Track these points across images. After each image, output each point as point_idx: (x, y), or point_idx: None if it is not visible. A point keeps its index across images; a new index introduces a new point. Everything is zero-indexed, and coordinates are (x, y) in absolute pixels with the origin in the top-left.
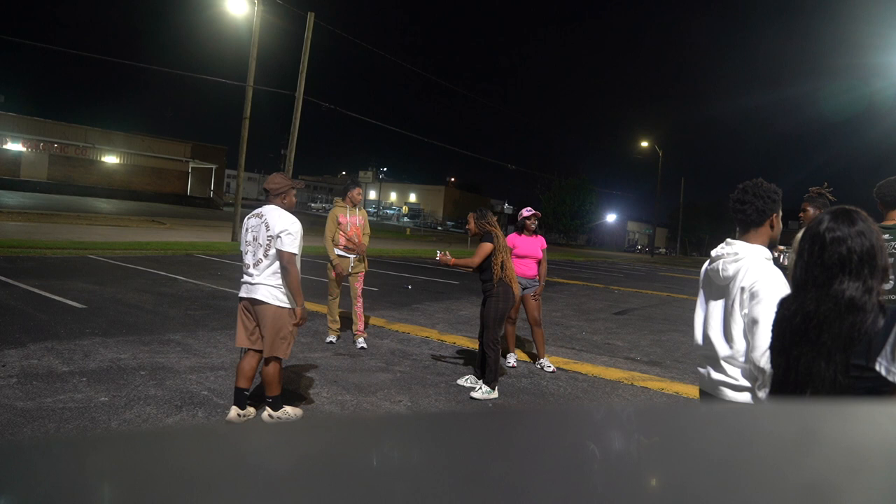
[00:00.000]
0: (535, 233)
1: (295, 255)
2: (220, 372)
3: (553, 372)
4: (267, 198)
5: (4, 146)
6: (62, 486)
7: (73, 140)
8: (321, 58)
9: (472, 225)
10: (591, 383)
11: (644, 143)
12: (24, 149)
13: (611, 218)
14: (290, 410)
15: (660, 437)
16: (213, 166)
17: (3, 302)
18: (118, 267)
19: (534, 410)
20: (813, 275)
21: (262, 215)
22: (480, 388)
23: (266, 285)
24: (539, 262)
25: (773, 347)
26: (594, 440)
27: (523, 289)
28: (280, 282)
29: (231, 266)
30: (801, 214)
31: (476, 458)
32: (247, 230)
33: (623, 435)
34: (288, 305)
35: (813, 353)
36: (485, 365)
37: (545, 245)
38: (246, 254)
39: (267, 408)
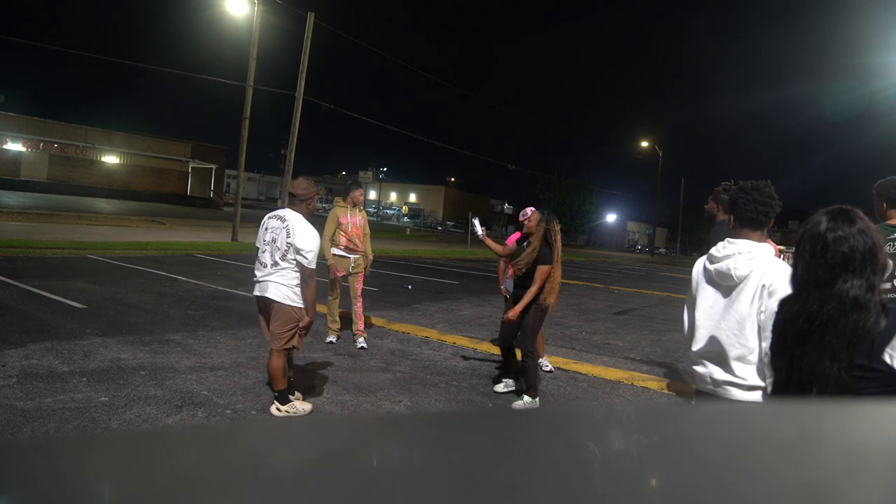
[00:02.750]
0: None
1: (314, 269)
2: (220, 372)
3: (551, 371)
4: (291, 202)
5: (4, 146)
6: (62, 486)
7: (73, 140)
8: (321, 58)
9: (533, 224)
10: (591, 383)
11: (644, 143)
12: (24, 149)
13: (611, 218)
14: (298, 405)
15: (660, 437)
16: (213, 166)
17: (3, 302)
18: (118, 267)
19: (534, 410)
20: (815, 275)
21: (286, 220)
22: (522, 398)
23: (276, 283)
24: None
25: (773, 349)
26: (594, 440)
27: None
28: (291, 283)
29: (231, 266)
30: (706, 206)
31: (476, 458)
32: (266, 230)
33: (623, 435)
34: (298, 304)
35: (817, 353)
36: (515, 369)
37: None
38: (263, 252)
39: (275, 401)
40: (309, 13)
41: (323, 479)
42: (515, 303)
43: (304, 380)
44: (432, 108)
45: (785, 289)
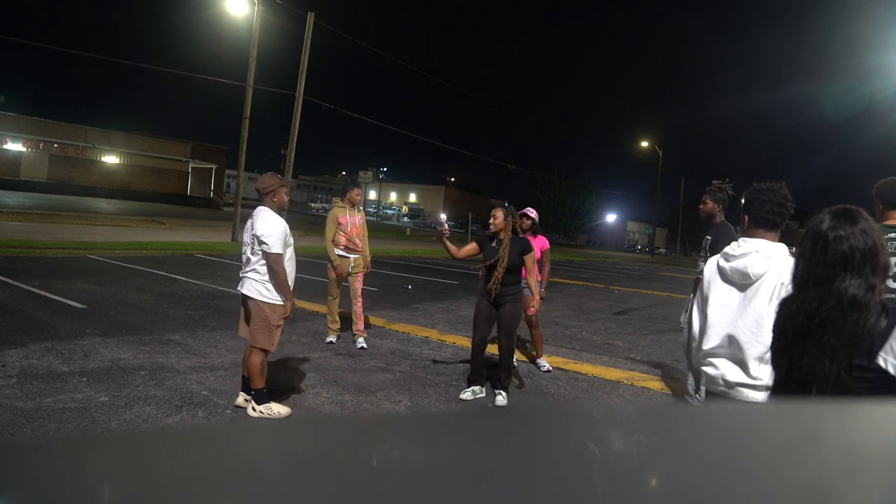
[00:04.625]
0: (535, 233)
1: (280, 254)
2: (220, 372)
3: (549, 371)
4: (259, 198)
5: (4, 146)
6: (62, 486)
7: (73, 140)
8: (321, 58)
9: (500, 221)
10: (591, 383)
11: (644, 143)
12: (24, 149)
13: (611, 218)
14: (274, 407)
15: (660, 437)
16: (213, 166)
17: (3, 302)
18: (118, 267)
19: (534, 410)
20: (815, 273)
21: (253, 216)
22: (502, 394)
23: (249, 279)
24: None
25: (774, 347)
26: (594, 440)
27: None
28: (262, 277)
29: (231, 266)
30: (701, 206)
31: (476, 458)
32: (245, 231)
33: (623, 435)
34: (270, 300)
35: (816, 352)
36: (498, 370)
37: (546, 246)
38: (244, 253)
39: (252, 401)
40: (309, 13)
41: (323, 479)
42: (494, 300)
43: (305, 380)
44: (432, 108)
45: None
